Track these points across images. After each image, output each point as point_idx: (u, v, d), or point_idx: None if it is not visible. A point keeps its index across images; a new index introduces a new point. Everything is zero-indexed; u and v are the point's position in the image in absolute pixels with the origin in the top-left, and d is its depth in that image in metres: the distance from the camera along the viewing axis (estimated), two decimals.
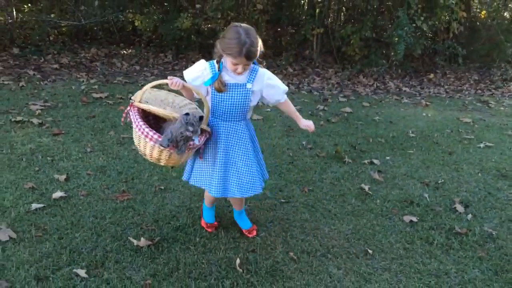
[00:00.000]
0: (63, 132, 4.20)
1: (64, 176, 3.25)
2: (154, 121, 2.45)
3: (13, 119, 4.38)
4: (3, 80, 5.82)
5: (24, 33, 8.16)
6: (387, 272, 2.52)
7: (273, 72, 2.51)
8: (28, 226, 2.62)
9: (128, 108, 2.28)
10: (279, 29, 9.52)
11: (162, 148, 2.18)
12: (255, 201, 3.20)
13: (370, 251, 2.69)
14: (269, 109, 5.67)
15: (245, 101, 2.40)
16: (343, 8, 9.82)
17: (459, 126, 5.67)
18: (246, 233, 2.75)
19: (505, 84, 9.13)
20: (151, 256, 2.45)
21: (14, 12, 8.08)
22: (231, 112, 2.41)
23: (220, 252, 2.56)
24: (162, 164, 2.29)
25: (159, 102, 2.38)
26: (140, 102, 2.23)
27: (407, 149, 4.61)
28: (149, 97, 2.35)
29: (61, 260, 2.35)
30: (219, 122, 2.43)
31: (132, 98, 2.26)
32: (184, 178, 2.61)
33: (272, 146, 4.34)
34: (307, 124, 2.54)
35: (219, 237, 2.70)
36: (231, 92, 2.37)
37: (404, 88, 8.32)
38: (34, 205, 2.82)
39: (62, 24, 8.45)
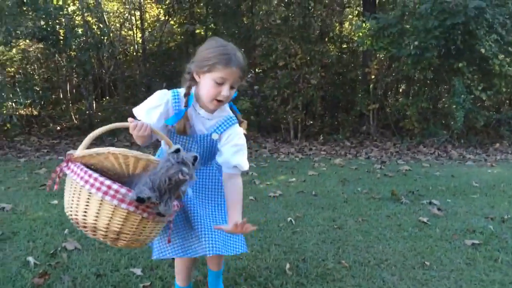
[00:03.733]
0: None
1: None
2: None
3: None
4: None
5: (102, 123, 9.07)
6: (445, 280, 2.39)
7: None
8: (93, 240, 2.80)
9: (64, 164, 1.54)
10: (334, 105, 9.85)
11: (131, 209, 1.44)
12: (304, 224, 3.22)
13: (427, 263, 2.58)
14: (325, 167, 5.75)
15: (212, 148, 1.83)
16: (397, 82, 10.05)
17: None
18: None
19: None
20: (202, 262, 2.51)
21: (94, 103, 9.07)
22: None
23: (269, 259, 2.58)
24: (120, 244, 1.51)
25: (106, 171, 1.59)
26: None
27: (470, 194, 4.43)
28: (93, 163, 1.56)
29: (119, 263, 2.48)
30: None
31: (68, 152, 1.57)
32: (156, 256, 1.87)
33: (326, 191, 4.36)
34: (238, 224, 1.59)
35: (270, 250, 2.73)
36: (195, 138, 1.80)
37: (468, 156, 8.08)
38: None
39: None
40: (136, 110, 1.76)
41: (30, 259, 2.47)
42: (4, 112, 6.64)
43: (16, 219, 3.21)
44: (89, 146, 1.56)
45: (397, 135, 9.25)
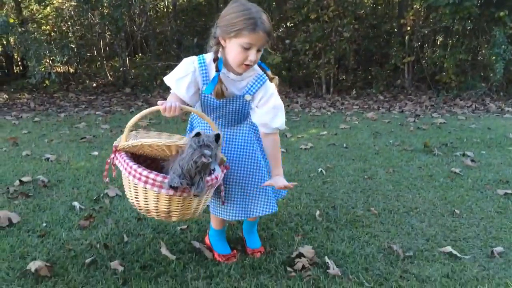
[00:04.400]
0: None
1: None
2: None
3: (123, 130, 4.96)
4: (117, 109, 6.63)
5: (135, 79, 9.23)
6: (475, 227, 2.42)
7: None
8: None
9: (112, 156, 1.71)
10: (368, 58, 9.64)
11: (170, 193, 1.58)
12: (334, 175, 3.27)
13: (457, 211, 2.61)
14: (356, 121, 5.73)
15: (245, 109, 1.86)
16: (434, 33, 9.68)
17: None
18: (250, 253, 2.10)
19: None
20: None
21: (127, 60, 9.20)
22: (227, 118, 1.90)
23: (300, 207, 2.66)
24: (174, 219, 1.66)
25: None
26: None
27: (506, 146, 4.35)
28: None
29: None
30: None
31: (114, 144, 1.73)
32: (212, 212, 2.00)
33: (358, 144, 4.37)
34: (284, 183, 1.78)
35: (301, 198, 2.81)
36: (228, 100, 1.83)
37: (507, 109, 7.83)
38: None
39: (167, 71, 9.42)
40: (166, 80, 1.81)
41: (76, 204, 2.65)
42: (42, 69, 6.85)
43: (61, 168, 3.41)
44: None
45: (433, 88, 9.02)
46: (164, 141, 1.58)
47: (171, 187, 1.54)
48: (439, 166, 3.59)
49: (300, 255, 2.04)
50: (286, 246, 2.19)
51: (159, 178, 1.56)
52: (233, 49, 1.67)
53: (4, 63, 9.56)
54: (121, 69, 9.08)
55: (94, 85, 8.96)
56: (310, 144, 4.24)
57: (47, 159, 3.64)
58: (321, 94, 8.76)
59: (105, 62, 9.85)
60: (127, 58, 9.23)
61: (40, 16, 9.45)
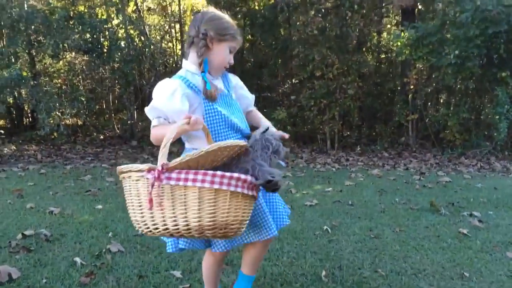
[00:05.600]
0: None
1: None
2: None
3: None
4: (122, 161, 6.67)
5: (142, 132, 9.35)
6: None
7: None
8: (135, 243, 2.92)
9: (162, 176, 1.38)
10: (372, 116, 9.76)
11: (252, 193, 1.49)
12: (340, 233, 3.22)
13: (466, 274, 2.54)
14: (362, 178, 5.71)
15: (240, 110, 1.90)
16: (437, 92, 9.85)
17: None
18: None
19: None
20: (239, 267, 2.57)
21: (135, 113, 9.37)
22: (235, 127, 1.79)
23: (306, 266, 2.61)
24: (230, 234, 1.49)
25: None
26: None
27: None
28: None
29: (160, 266, 2.57)
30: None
31: (157, 166, 1.40)
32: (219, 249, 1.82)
33: (364, 201, 4.34)
34: (279, 132, 1.78)
35: (306, 257, 2.75)
36: (222, 100, 1.80)
37: None
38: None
39: None
40: (150, 109, 1.69)
41: (77, 259, 2.61)
42: (52, 121, 6.98)
43: (64, 222, 3.38)
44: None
45: (437, 146, 9.07)
46: (225, 143, 1.46)
47: (267, 182, 1.48)
48: (446, 226, 3.54)
49: None
50: None
51: (249, 178, 1.46)
52: (221, 52, 1.76)
53: (14, 115, 9.76)
54: (128, 122, 9.22)
55: (101, 137, 9.08)
56: (315, 200, 4.21)
57: (51, 212, 3.62)
58: (326, 149, 8.81)
59: (113, 115, 10.02)
60: (135, 111, 9.40)
61: (52, 69, 9.74)
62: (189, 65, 1.78)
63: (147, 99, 10.74)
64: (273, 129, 1.73)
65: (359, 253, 2.86)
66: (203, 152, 1.40)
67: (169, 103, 1.66)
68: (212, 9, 1.81)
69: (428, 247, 3.01)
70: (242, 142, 1.53)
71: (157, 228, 1.42)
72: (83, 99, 8.41)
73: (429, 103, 9.96)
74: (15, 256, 2.66)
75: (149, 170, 1.40)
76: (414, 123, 9.20)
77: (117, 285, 2.32)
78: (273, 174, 1.49)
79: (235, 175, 1.42)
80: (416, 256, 2.84)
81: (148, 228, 1.44)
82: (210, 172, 1.39)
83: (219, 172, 1.40)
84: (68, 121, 9.23)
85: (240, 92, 1.95)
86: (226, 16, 1.78)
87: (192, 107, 1.71)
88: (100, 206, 3.84)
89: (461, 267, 2.67)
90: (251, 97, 2.00)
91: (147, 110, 1.72)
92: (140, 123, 9.73)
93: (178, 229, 1.40)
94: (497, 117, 8.02)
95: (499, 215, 3.93)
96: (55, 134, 7.71)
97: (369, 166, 7.04)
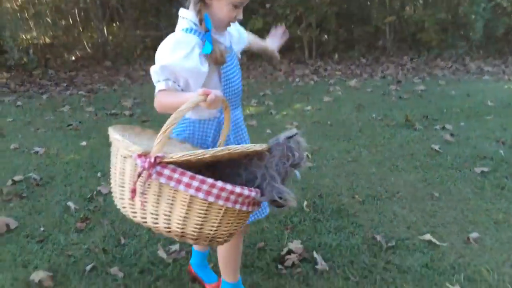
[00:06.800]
0: (149, 119, 4.69)
1: None
2: None
3: (108, 113, 4.98)
4: (99, 86, 6.58)
5: (115, 50, 9.07)
6: (452, 210, 2.57)
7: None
8: None
9: (152, 169, 1.15)
10: (349, 21, 9.58)
11: (249, 209, 1.27)
12: (320, 158, 3.38)
13: (436, 194, 2.75)
14: (340, 92, 5.80)
15: (239, 70, 1.67)
16: None
17: None
18: None
19: None
20: None
21: (106, 31, 9.00)
22: (236, 93, 1.63)
23: None
24: (214, 244, 1.33)
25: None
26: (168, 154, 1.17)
27: (484, 115, 4.49)
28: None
29: None
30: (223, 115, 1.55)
31: (150, 155, 1.16)
32: None
33: (342, 120, 4.47)
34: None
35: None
36: (229, 61, 1.57)
37: (486, 68, 7.95)
38: None
39: (147, 40, 9.27)
40: (161, 68, 1.41)
41: (70, 204, 2.72)
42: (20, 45, 6.68)
43: (51, 163, 3.45)
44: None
45: (414, 49, 9.08)
46: (247, 148, 1.26)
47: (273, 201, 1.27)
48: (420, 142, 3.72)
49: (290, 251, 2.17)
50: (276, 241, 2.31)
51: (252, 194, 1.23)
52: (222, 8, 1.48)
53: None
54: (99, 40, 8.90)
55: (73, 58, 8.80)
56: (295, 122, 4.33)
57: (36, 152, 3.67)
58: (304, 59, 8.75)
59: (81, 30, 9.59)
60: (105, 28, 9.02)
61: None
62: (193, 16, 1.49)
63: (116, 13, 10.25)
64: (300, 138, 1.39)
65: (338, 178, 3.04)
66: (210, 154, 1.18)
67: (186, 63, 1.42)
68: None
69: (402, 168, 3.19)
70: (262, 146, 1.30)
71: (135, 217, 1.28)
72: (48, 17, 7.95)
73: (406, 6, 9.76)
74: (9, 204, 2.76)
75: (139, 156, 1.17)
76: (391, 25, 9.09)
77: (112, 229, 2.46)
78: (282, 193, 1.26)
79: (237, 189, 1.19)
80: (391, 177, 3.03)
81: (126, 211, 1.31)
82: (209, 180, 1.17)
83: (219, 183, 1.17)
84: (36, 41, 8.85)
85: (238, 35, 1.72)
86: None
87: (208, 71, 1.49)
88: (84, 143, 3.89)
89: (432, 186, 2.88)
90: (246, 33, 1.81)
91: (154, 70, 1.44)
92: (111, 38, 9.37)
93: (157, 227, 1.24)
94: (473, 16, 7.97)
95: (470, 127, 4.12)
96: (24, 59, 7.44)
97: (347, 76, 7.09)
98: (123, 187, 1.29)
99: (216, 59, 1.48)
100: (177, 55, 1.41)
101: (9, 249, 2.28)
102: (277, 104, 5.16)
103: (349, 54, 8.93)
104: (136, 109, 5.16)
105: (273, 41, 1.97)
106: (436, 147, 3.54)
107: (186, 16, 1.50)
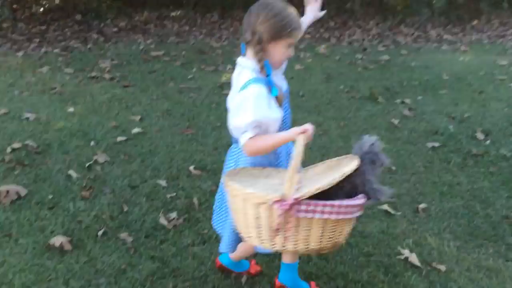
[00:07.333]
0: (131, 84, 4.90)
1: (138, 117, 3.95)
2: None
3: (88, 75, 5.14)
4: (72, 44, 6.61)
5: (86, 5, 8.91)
6: (406, 183, 3.04)
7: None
8: (117, 152, 3.33)
9: (287, 208, 1.39)
10: None
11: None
12: None
13: (393, 168, 3.21)
14: (310, 59, 6.13)
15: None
16: None
17: (494, 69, 5.88)
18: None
19: None
20: (213, 173, 3.08)
21: None
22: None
23: None
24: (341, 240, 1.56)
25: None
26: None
27: (439, 90, 4.97)
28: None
29: (146, 175, 3.04)
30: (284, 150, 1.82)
31: (287, 200, 1.39)
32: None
33: (313, 91, 4.84)
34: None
35: None
36: (285, 105, 1.76)
37: (445, 36, 8.42)
38: (119, 138, 3.54)
39: None
40: (252, 122, 1.56)
41: (72, 172, 3.01)
42: None
43: (44, 130, 3.67)
44: None
45: (380, 13, 9.42)
46: (352, 167, 1.51)
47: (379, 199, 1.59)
48: (382, 116, 4.17)
49: None
50: None
51: (363, 201, 1.52)
52: (279, 50, 1.65)
53: None
54: None
55: (41, 10, 8.61)
56: None
57: (27, 118, 3.85)
58: None
59: None
60: None
61: None
62: (253, 64, 1.66)
63: None
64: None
65: (310, 152, 3.44)
66: (333, 183, 1.42)
67: (271, 114, 1.61)
68: (267, 3, 1.64)
69: None
70: (356, 162, 1.55)
71: (274, 247, 1.49)
72: None
73: None
74: (13, 172, 3.02)
75: (277, 202, 1.39)
76: None
77: (113, 197, 2.79)
78: (383, 192, 1.56)
79: (357, 202, 1.47)
80: None
81: (264, 245, 1.50)
82: (336, 203, 1.42)
83: (343, 203, 1.43)
84: None
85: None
86: (284, 8, 1.63)
87: None
88: (71, 109, 4.09)
89: (390, 160, 3.33)
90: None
91: (241, 125, 1.60)
92: None
93: (296, 249, 1.48)
94: None
95: (426, 101, 4.59)
96: None
97: (316, 41, 7.40)
98: (260, 228, 1.48)
99: (279, 101, 1.66)
100: (262, 108, 1.57)
101: (25, 215, 2.57)
102: None
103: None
104: (115, 72, 5.32)
105: (312, 9, 2.00)
106: (396, 122, 4.00)
107: (248, 66, 1.67)
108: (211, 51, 6.59)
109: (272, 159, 1.78)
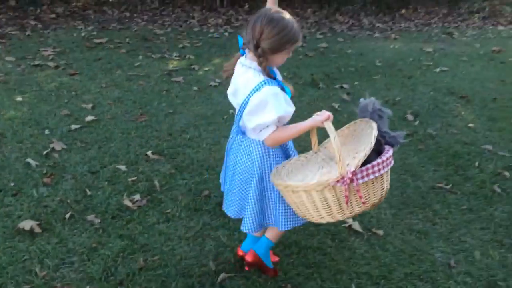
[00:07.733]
0: (78, 72, 4.89)
1: (90, 105, 4.00)
2: None
3: (31, 64, 5.05)
4: (10, 31, 6.39)
5: None
6: None
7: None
8: (73, 140, 3.41)
9: (349, 182, 1.65)
10: None
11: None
12: None
13: None
14: None
15: None
16: None
17: (421, 55, 6.43)
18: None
19: (471, 16, 9.84)
20: (171, 157, 3.26)
21: None
22: None
23: (222, 151, 3.39)
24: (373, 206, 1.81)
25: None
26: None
27: (373, 75, 5.39)
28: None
29: (105, 160, 3.16)
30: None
31: (345, 175, 1.64)
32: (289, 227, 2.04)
33: None
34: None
35: (220, 143, 3.52)
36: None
37: (377, 24, 8.98)
38: (73, 126, 3.60)
39: None
40: (277, 119, 1.81)
41: (30, 160, 3.06)
42: None
43: None
44: None
45: (317, 2, 9.81)
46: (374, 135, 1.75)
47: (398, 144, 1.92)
48: (323, 101, 4.50)
49: None
50: (218, 188, 2.94)
51: (392, 150, 1.82)
52: (280, 58, 1.84)
53: None
54: None
55: None
56: (218, 79, 4.85)
57: None
58: (216, 6, 9.06)
59: None
60: None
61: None
62: (257, 65, 1.82)
63: None
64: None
65: None
66: (369, 150, 1.68)
67: (289, 108, 1.87)
68: (272, 13, 1.77)
69: None
70: (374, 124, 1.82)
71: (344, 216, 1.76)
72: None
73: None
74: None
75: (338, 181, 1.65)
76: None
77: (75, 183, 2.89)
78: (401, 136, 1.93)
79: (391, 153, 1.77)
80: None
81: (334, 218, 1.77)
82: (379, 160, 1.70)
83: (383, 157, 1.72)
84: None
85: None
86: (287, 24, 1.76)
87: None
88: (19, 98, 4.06)
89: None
90: None
91: (267, 121, 1.81)
92: None
93: (361, 210, 1.75)
94: None
95: (362, 86, 4.99)
96: None
97: None
98: (329, 207, 1.75)
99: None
100: (282, 105, 1.81)
101: None
102: (198, 58, 5.61)
103: (257, 3, 9.40)
104: (59, 60, 5.27)
105: (272, 2, 2.11)
106: (336, 106, 4.34)
107: (254, 67, 1.84)
108: (155, 38, 6.63)
109: (282, 145, 2.04)
